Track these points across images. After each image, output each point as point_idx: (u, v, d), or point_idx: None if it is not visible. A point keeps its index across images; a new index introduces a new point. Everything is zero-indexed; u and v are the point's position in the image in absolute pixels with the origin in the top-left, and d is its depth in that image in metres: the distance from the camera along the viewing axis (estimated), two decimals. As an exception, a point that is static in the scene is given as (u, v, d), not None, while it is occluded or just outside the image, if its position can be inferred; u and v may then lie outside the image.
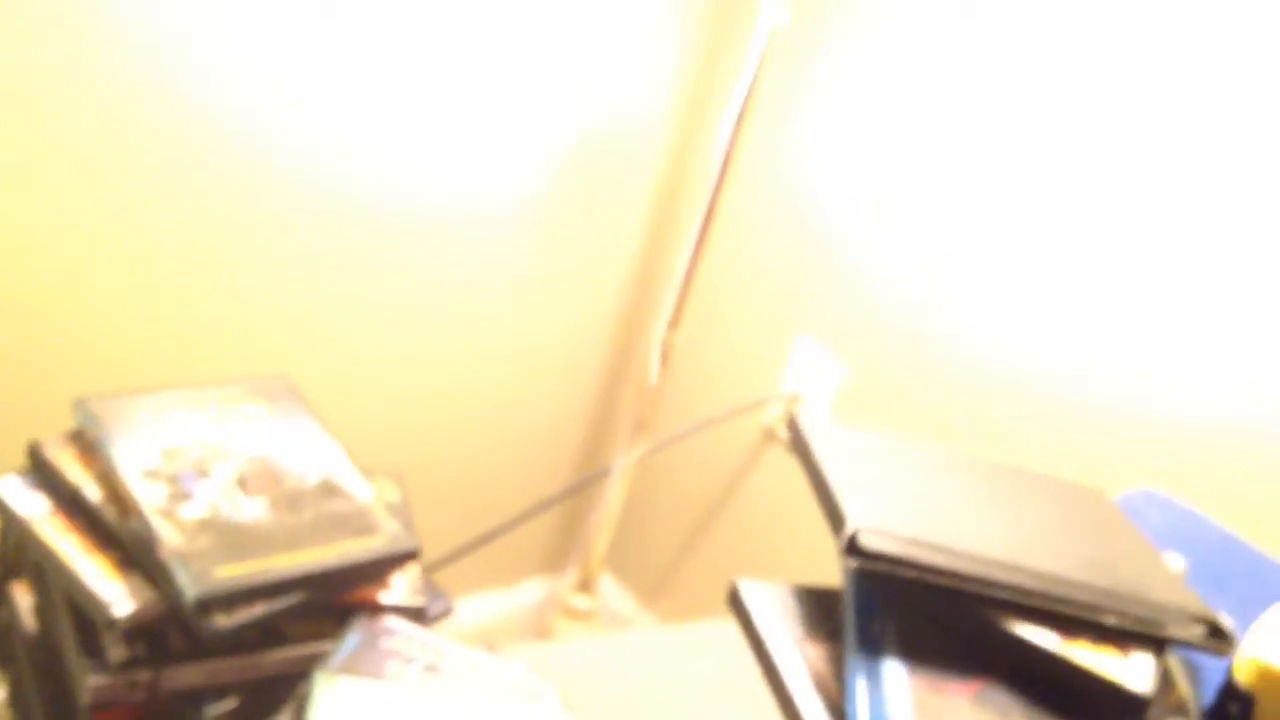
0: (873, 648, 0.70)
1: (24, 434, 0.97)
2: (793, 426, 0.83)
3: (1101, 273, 1.36)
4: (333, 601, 0.92)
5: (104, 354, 1.26)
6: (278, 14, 1.22)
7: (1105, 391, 1.36)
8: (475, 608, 1.85)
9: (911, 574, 0.72)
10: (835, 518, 0.73)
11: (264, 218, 1.32)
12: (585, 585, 1.81)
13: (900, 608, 0.73)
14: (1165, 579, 0.82)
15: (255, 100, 1.24)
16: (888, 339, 1.55)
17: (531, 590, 1.93)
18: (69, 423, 0.98)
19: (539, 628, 1.92)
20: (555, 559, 1.95)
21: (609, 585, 1.95)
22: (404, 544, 0.94)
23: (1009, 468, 0.92)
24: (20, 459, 0.95)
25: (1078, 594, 0.75)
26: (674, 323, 1.64)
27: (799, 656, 0.73)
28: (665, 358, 1.66)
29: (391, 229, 1.44)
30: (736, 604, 0.75)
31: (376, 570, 0.93)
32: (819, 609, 0.78)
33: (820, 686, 0.70)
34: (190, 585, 0.83)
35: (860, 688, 0.67)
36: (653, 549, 1.90)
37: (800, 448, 0.80)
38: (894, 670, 0.69)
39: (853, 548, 0.71)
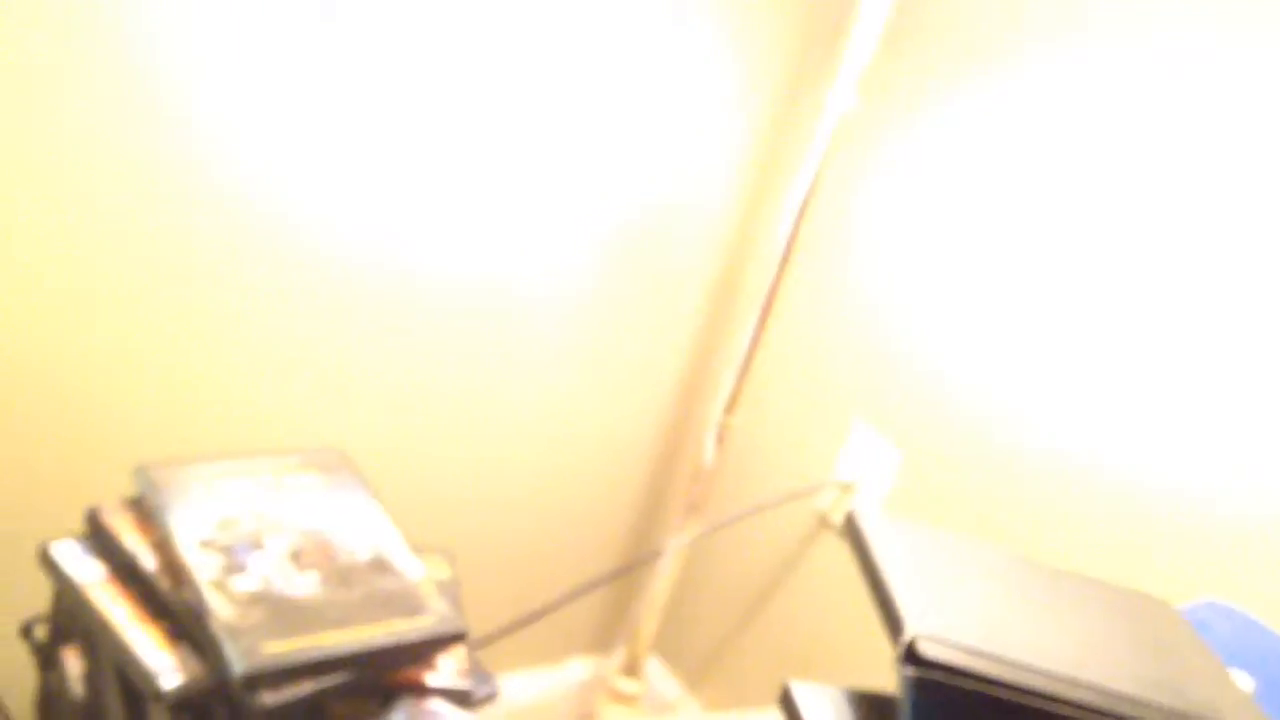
0: (928, 760, 0.68)
1: (83, 499, 0.98)
2: (850, 522, 0.81)
3: (1169, 368, 1.33)
4: (379, 681, 0.91)
5: (163, 423, 1.28)
6: (332, 93, 1.24)
7: (1171, 491, 1.33)
8: (520, 686, 1.83)
9: (971, 686, 0.70)
10: (893, 623, 0.71)
11: (324, 298, 1.34)
12: (632, 668, 1.79)
13: (957, 719, 0.71)
14: (1234, 698, 0.79)
15: (307, 176, 1.27)
16: (945, 427, 1.52)
17: (577, 670, 1.91)
18: (127, 489, 0.99)
19: (583, 710, 1.89)
20: (602, 640, 1.92)
21: (655, 669, 1.92)
22: (452, 625, 0.94)
23: (1071, 573, 0.89)
24: (78, 524, 0.96)
25: (1144, 713, 0.73)
26: (730, 406, 1.63)
27: (852, 765, 0.71)
28: (721, 441, 1.65)
29: (448, 310, 1.45)
30: (788, 706, 0.74)
31: (424, 651, 0.92)
32: (873, 715, 0.76)
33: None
34: (239, 660, 0.83)
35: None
36: (701, 634, 1.88)
37: (857, 544, 0.78)
38: (950, 785, 0.67)
39: (911, 656, 0.69)
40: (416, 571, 0.98)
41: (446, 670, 0.95)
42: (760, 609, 1.78)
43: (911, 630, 0.69)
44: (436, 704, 0.92)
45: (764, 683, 1.78)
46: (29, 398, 1.19)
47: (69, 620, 0.95)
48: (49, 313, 1.17)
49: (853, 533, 0.80)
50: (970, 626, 0.73)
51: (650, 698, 1.89)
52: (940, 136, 1.53)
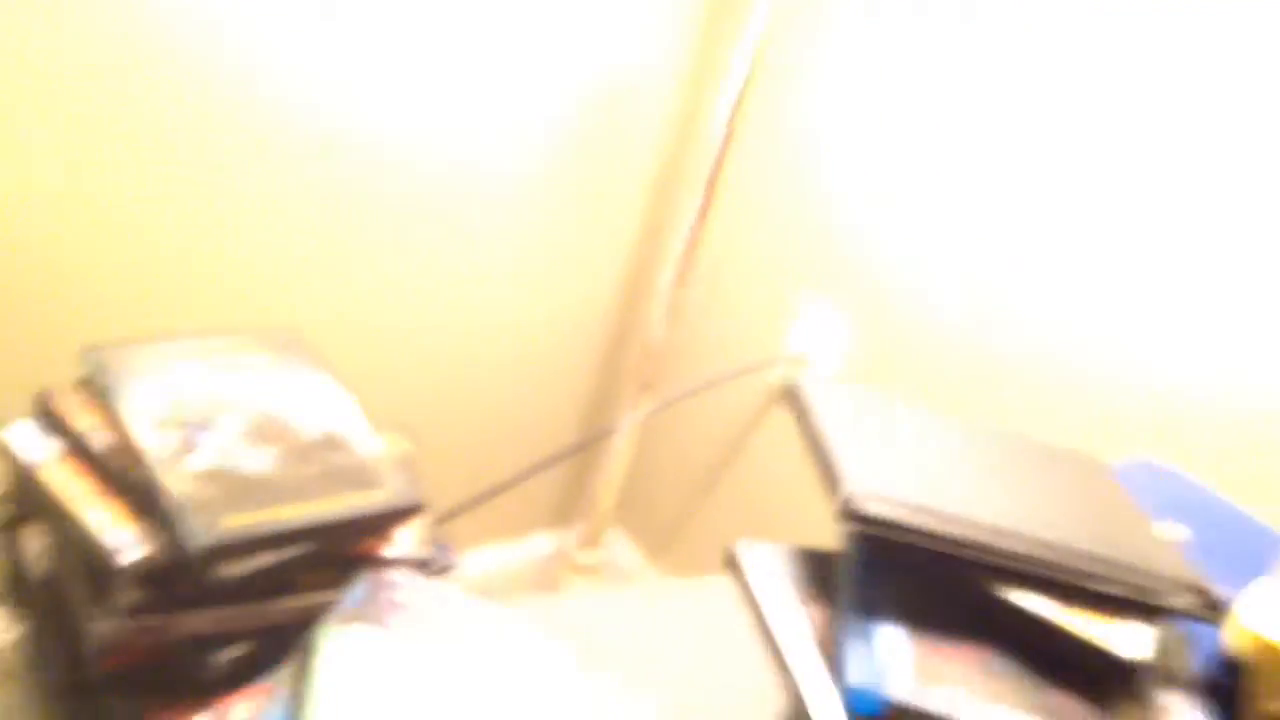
0: (869, 611, 0.71)
1: (33, 383, 0.97)
2: (790, 388, 0.83)
3: (1106, 233, 1.35)
4: (339, 553, 0.93)
5: (112, 304, 1.27)
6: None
7: (1108, 358, 1.36)
8: (483, 561, 1.87)
9: (907, 539, 0.73)
10: (831, 481, 0.73)
11: (271, 175, 1.32)
12: (592, 540, 1.83)
13: (897, 573, 0.74)
14: (1162, 549, 0.82)
15: (266, 54, 1.24)
16: (893, 299, 1.54)
17: (539, 544, 1.95)
18: (76, 372, 0.98)
19: (546, 582, 1.94)
20: (563, 514, 1.96)
21: (617, 540, 1.96)
22: (408, 498, 0.95)
23: (1009, 434, 0.92)
24: (28, 408, 0.96)
25: (1075, 561, 0.76)
26: (680, 280, 1.64)
27: (797, 617, 0.73)
28: (673, 316, 1.66)
29: (399, 191, 1.44)
30: (734, 567, 0.76)
31: (380, 523, 0.94)
32: (820, 571, 0.79)
33: (821, 647, 0.71)
34: (197, 534, 0.84)
35: (855, 647, 0.68)
36: (660, 505, 1.91)
37: (798, 408, 0.80)
38: (891, 633, 0.70)
39: (848, 511, 0.71)
40: (374, 448, 0.99)
41: (405, 542, 0.97)
42: (716, 480, 1.82)
43: (849, 487, 0.71)
44: (396, 573, 0.94)
45: (720, 550, 1.83)
46: (-26, 283, 1.18)
47: (25, 499, 0.96)
48: (-12, 196, 1.15)
49: (794, 397, 0.82)
50: (908, 483, 0.75)
51: (611, 568, 1.94)
52: (883, 4, 1.52)
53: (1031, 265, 1.41)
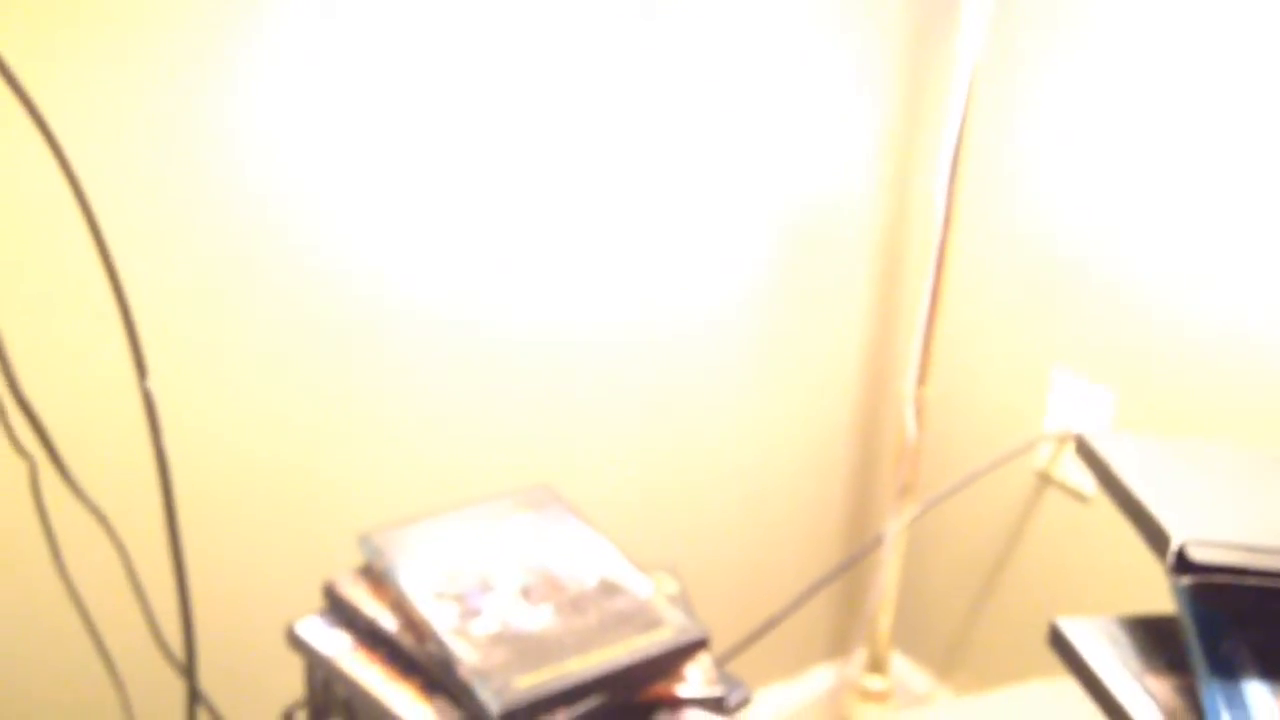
0: (1226, 670, 0.63)
1: (318, 576, 1.00)
2: (1084, 449, 0.77)
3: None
4: (631, 700, 0.90)
5: (379, 490, 1.32)
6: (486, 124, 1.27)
7: None
8: (766, 701, 1.81)
9: (1249, 582, 0.65)
10: (1156, 535, 0.67)
11: (511, 349, 1.37)
12: (876, 665, 1.74)
13: (1248, 622, 0.66)
14: None
15: (490, 242, 1.29)
16: (1148, 356, 1.44)
17: (821, 678, 1.87)
18: (355, 560, 1.01)
19: (835, 714, 1.85)
20: (840, 642, 1.88)
21: (899, 663, 1.87)
22: (692, 633, 0.92)
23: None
24: (317, 600, 0.99)
25: None
26: (922, 378, 1.59)
27: (1141, 691, 0.66)
28: (918, 415, 1.60)
29: (629, 337, 1.46)
30: (1060, 644, 0.70)
31: (669, 663, 0.91)
32: (1152, 639, 0.72)
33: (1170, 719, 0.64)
34: (493, 700, 0.83)
35: (1225, 711, 0.60)
36: (938, 618, 1.82)
37: (1097, 466, 0.74)
38: (1255, 691, 0.62)
39: (1182, 564, 0.64)
40: (645, 588, 0.97)
41: (695, 680, 0.94)
42: (995, 580, 1.72)
43: (1178, 538, 0.65)
44: (692, 714, 0.91)
45: (1014, 656, 1.71)
46: (256, 495, 1.25)
47: (324, 694, 0.97)
48: (250, 417, 1.22)
49: (1088, 456, 0.76)
50: (1232, 524, 0.68)
51: (900, 693, 1.84)
52: (1085, 47, 1.47)
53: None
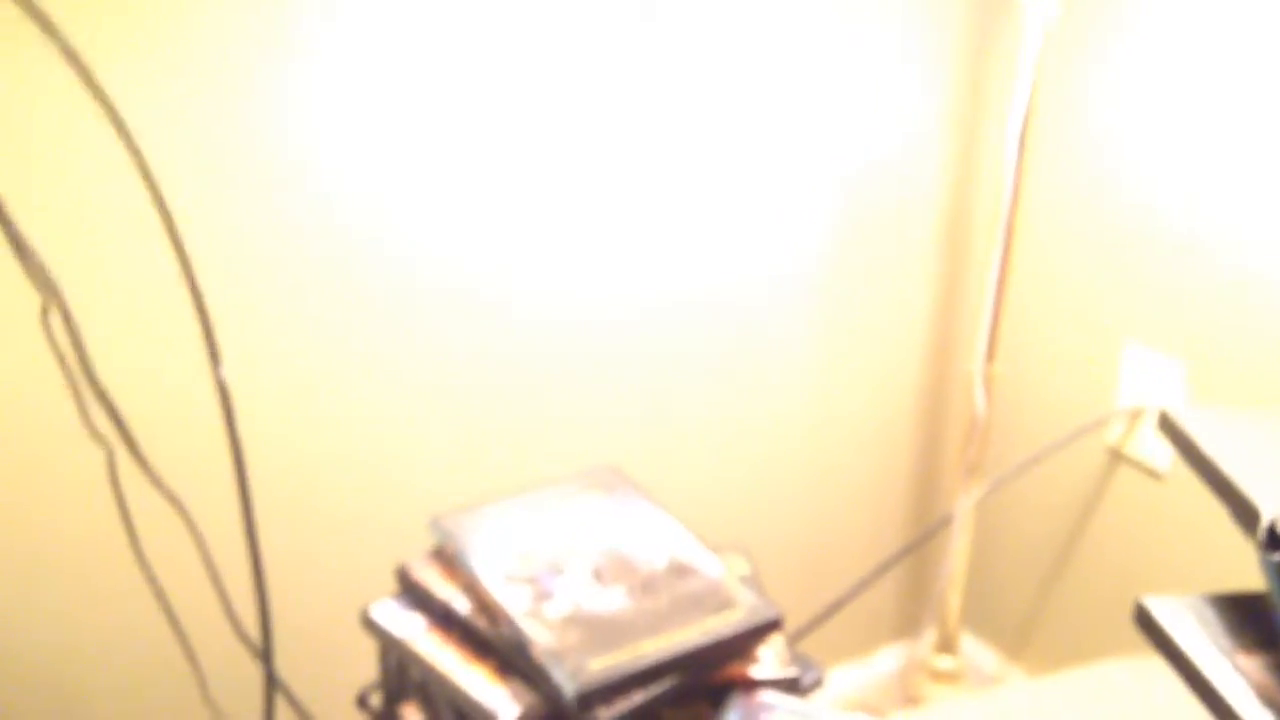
0: (1322, 648, 0.62)
1: (390, 559, 1.01)
2: (1167, 424, 0.75)
3: None
4: (705, 682, 0.90)
5: (448, 472, 1.33)
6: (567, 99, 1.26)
7: None
8: (836, 679, 1.80)
9: (1349, 560, 0.63)
10: (1246, 512, 0.65)
11: (575, 330, 1.36)
12: (946, 645, 1.73)
13: (1344, 599, 0.64)
14: None
15: (560, 220, 1.29)
16: (1221, 328, 1.41)
17: (890, 657, 1.86)
18: (427, 543, 1.02)
19: (906, 694, 1.84)
20: (910, 622, 1.87)
21: (969, 643, 1.85)
22: (765, 614, 0.92)
23: None
24: (390, 583, 1.00)
25: None
26: (990, 354, 1.57)
27: (1232, 669, 0.65)
28: (987, 392, 1.58)
29: (695, 316, 1.45)
30: (1147, 623, 0.68)
31: (743, 643, 0.91)
32: (1241, 616, 0.70)
33: (1267, 699, 0.62)
34: (568, 682, 0.83)
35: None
36: (1008, 598, 1.79)
37: (1182, 442, 0.72)
38: (1354, 670, 0.61)
39: (1274, 539, 0.63)
40: (717, 569, 0.97)
41: (769, 661, 0.93)
42: (1066, 559, 1.70)
43: (1269, 513, 0.63)
44: (768, 695, 0.90)
45: (1085, 636, 1.69)
46: (328, 480, 1.26)
47: (400, 677, 0.98)
48: (313, 413, 1.23)
49: (1171, 431, 0.74)
50: (1332, 499, 0.66)
51: (970, 673, 1.82)
52: (1159, 8, 1.43)
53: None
